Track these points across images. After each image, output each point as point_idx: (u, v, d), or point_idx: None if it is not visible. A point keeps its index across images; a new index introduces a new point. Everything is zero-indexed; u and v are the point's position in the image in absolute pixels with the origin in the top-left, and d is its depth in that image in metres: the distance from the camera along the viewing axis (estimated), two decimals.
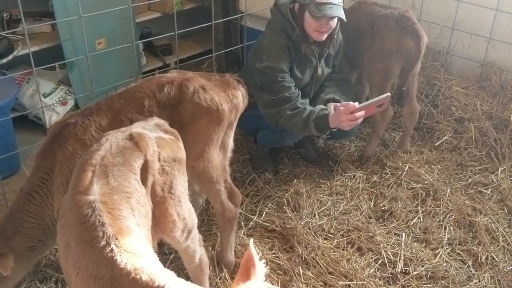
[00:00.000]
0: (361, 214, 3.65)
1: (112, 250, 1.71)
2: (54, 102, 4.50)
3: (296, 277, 3.14)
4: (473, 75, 4.71)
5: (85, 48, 3.60)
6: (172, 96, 2.80)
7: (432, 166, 4.10)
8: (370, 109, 3.33)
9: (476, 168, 4.08)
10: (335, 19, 3.47)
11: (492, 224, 3.56)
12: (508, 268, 3.27)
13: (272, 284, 2.01)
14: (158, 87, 2.80)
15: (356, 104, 3.27)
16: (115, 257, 1.70)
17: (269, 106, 3.60)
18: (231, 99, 2.97)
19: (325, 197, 3.80)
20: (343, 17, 3.40)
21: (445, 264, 3.25)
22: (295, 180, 3.93)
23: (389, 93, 3.36)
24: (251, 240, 1.80)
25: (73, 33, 4.29)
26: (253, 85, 3.70)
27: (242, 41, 4.97)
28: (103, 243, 1.73)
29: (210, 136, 2.88)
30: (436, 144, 4.31)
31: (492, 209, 3.70)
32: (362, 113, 3.25)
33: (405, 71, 3.92)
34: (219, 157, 2.99)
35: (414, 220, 3.59)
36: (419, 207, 3.70)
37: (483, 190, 3.86)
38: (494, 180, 3.93)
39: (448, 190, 3.81)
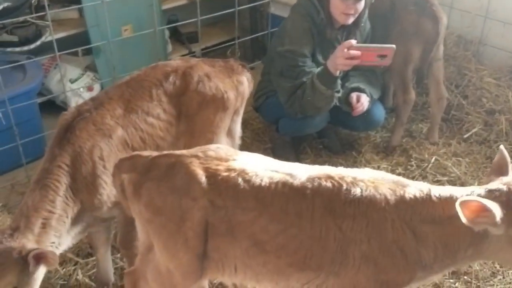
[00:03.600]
0: None
1: None
2: (81, 88, 4.55)
3: None
4: (506, 65, 4.53)
5: (108, 34, 3.61)
6: (178, 86, 2.78)
7: (460, 158, 3.97)
8: (369, 55, 3.13)
9: None
10: (362, 2, 3.40)
11: None
12: None
13: None
14: (164, 76, 2.78)
15: (353, 41, 3.17)
16: None
17: (287, 93, 3.55)
18: (236, 85, 2.95)
19: None
20: None
21: None
22: None
23: (393, 45, 3.12)
24: (501, 146, 2.10)
25: (100, 19, 4.30)
26: (274, 71, 3.67)
27: (268, 29, 4.92)
28: None
29: (217, 125, 2.87)
30: (465, 136, 4.19)
31: None
32: (358, 52, 3.10)
33: (424, 53, 3.84)
34: (228, 145, 2.96)
35: None
36: None
37: None
38: None
39: (476, 184, 3.69)
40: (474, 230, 1.87)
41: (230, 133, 3.04)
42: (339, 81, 3.42)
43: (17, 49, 4.16)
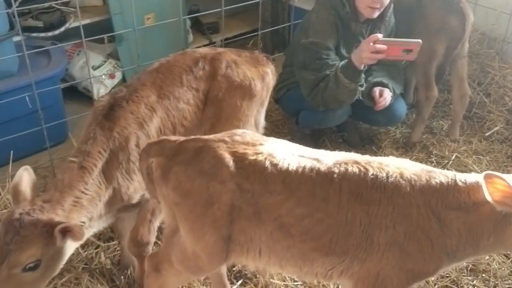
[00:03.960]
0: None
1: None
2: (103, 75, 4.59)
3: None
4: None
5: (134, 22, 3.64)
6: (207, 71, 2.83)
7: (481, 157, 3.96)
8: (395, 49, 3.10)
9: None
10: None
11: None
12: None
13: None
14: (193, 62, 2.83)
15: (379, 35, 3.15)
16: None
17: (310, 86, 3.55)
18: (262, 75, 2.98)
19: None
20: None
21: (487, 257, 3.14)
22: None
23: (420, 40, 3.08)
24: None
25: (123, 7, 4.34)
26: (296, 64, 3.66)
27: (289, 21, 4.91)
28: None
29: (244, 112, 2.90)
30: (486, 134, 4.17)
31: None
32: (383, 46, 3.08)
33: (448, 50, 3.82)
34: None
35: None
36: None
37: None
38: None
39: None
40: (497, 211, 1.90)
41: (254, 124, 3.06)
42: (363, 75, 3.41)
43: (42, 34, 4.19)
